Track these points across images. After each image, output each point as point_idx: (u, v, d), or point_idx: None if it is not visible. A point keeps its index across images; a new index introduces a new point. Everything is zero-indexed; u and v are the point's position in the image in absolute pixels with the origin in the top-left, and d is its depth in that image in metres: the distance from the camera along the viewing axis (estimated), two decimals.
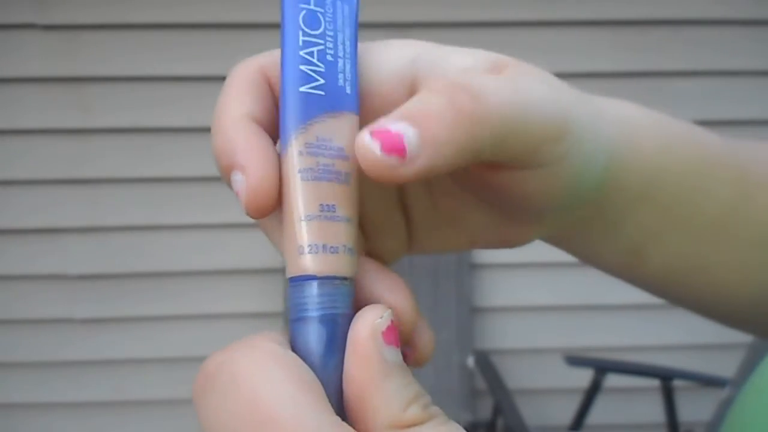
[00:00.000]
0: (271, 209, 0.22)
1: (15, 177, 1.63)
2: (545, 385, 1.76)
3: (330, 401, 0.20)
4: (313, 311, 0.21)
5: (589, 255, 0.31)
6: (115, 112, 1.63)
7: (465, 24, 1.63)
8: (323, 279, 0.21)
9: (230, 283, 1.68)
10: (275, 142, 0.22)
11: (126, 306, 1.67)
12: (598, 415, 1.59)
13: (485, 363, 1.62)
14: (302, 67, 0.21)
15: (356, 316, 0.21)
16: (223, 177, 0.22)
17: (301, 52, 0.21)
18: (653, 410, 1.59)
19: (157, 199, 1.66)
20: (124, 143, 1.64)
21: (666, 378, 1.54)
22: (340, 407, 0.21)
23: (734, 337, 1.30)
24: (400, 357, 0.21)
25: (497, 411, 1.53)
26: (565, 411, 1.64)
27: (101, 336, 1.68)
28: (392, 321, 0.21)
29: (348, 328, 0.21)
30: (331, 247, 0.21)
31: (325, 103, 0.22)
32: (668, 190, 0.28)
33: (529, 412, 1.51)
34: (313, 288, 0.21)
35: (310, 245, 0.21)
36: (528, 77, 0.22)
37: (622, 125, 0.27)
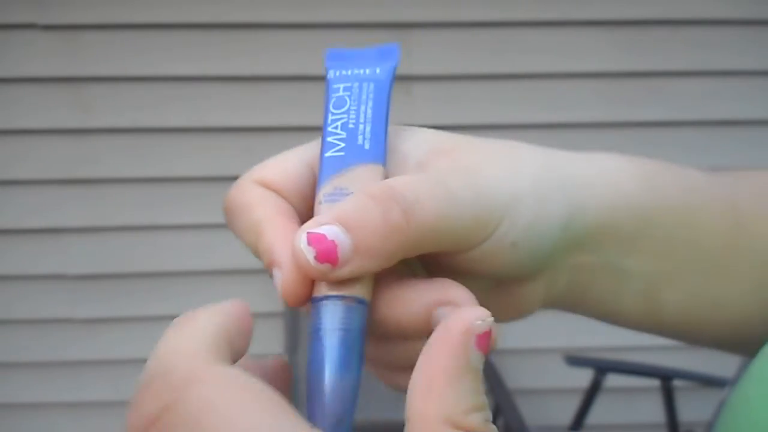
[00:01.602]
0: (305, 299, 0.23)
1: (15, 177, 1.63)
2: (545, 385, 1.76)
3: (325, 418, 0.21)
4: (327, 328, 0.23)
5: (607, 312, 0.31)
6: (115, 112, 1.62)
7: (465, 24, 1.63)
8: (336, 298, 0.23)
9: (230, 283, 1.68)
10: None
11: (126, 306, 1.67)
12: (598, 415, 1.59)
13: (485, 363, 1.62)
14: (329, 139, 0.26)
15: (458, 311, 0.21)
16: (268, 269, 0.25)
17: (329, 128, 0.26)
18: (653, 410, 1.59)
19: (157, 199, 1.66)
20: (124, 143, 1.64)
21: (666, 378, 1.54)
22: (348, 425, 0.22)
23: None
24: (482, 365, 0.21)
25: (497, 411, 1.53)
26: (565, 411, 1.64)
27: (101, 336, 1.68)
28: (490, 329, 0.21)
29: (359, 346, 0.23)
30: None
31: (344, 161, 0.25)
32: (663, 229, 0.29)
33: (529, 412, 1.51)
34: (328, 307, 0.23)
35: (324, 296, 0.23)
36: (462, 170, 0.25)
37: (591, 170, 0.28)
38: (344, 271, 0.22)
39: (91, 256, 1.66)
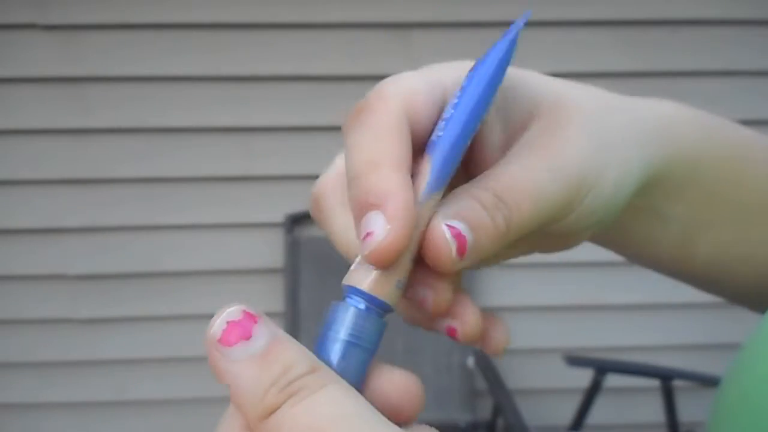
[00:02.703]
0: (390, 264, 0.23)
1: (15, 177, 1.63)
2: (545, 385, 1.76)
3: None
4: (345, 335, 0.23)
5: (644, 254, 0.33)
6: (115, 112, 1.62)
7: (465, 24, 1.63)
8: (370, 298, 0.24)
9: (230, 283, 1.68)
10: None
11: (126, 306, 1.67)
12: (598, 415, 1.59)
13: (485, 363, 1.62)
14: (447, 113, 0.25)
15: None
16: (355, 208, 0.24)
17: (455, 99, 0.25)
18: (653, 410, 1.59)
19: (157, 199, 1.66)
20: (124, 143, 1.64)
21: (666, 378, 1.54)
22: None
23: (734, 337, 1.31)
24: (252, 347, 0.21)
25: (497, 411, 1.53)
26: (565, 411, 1.64)
27: (101, 336, 1.68)
28: (236, 317, 0.22)
29: (368, 362, 0.24)
30: (399, 281, 0.24)
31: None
32: (711, 174, 0.31)
33: (529, 412, 1.51)
34: (356, 305, 0.24)
35: (398, 280, 0.24)
36: (551, 155, 0.26)
37: (661, 122, 0.30)
38: (461, 264, 0.24)
39: (91, 256, 1.66)
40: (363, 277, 0.24)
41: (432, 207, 0.24)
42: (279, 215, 1.66)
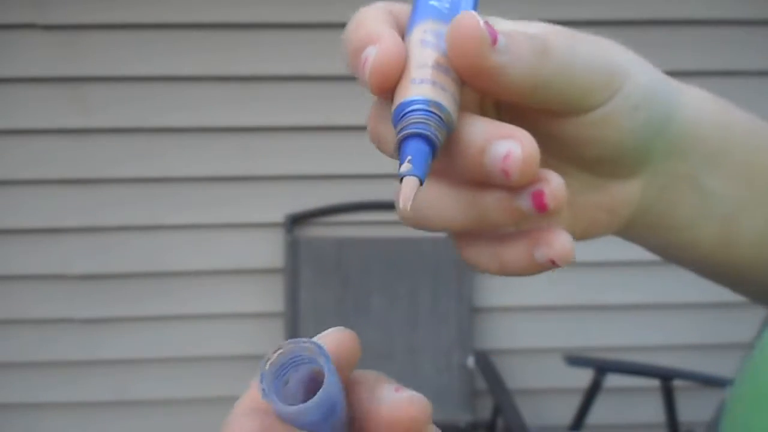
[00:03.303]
0: (394, 78, 0.23)
1: (15, 177, 1.63)
2: (545, 385, 1.76)
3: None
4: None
5: (686, 239, 0.31)
6: (115, 112, 1.62)
7: None
8: (431, 102, 0.22)
9: (230, 283, 1.68)
10: None
11: (126, 306, 1.67)
12: (598, 415, 1.59)
13: (485, 363, 1.62)
14: None
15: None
16: (351, 60, 0.24)
17: None
18: (653, 410, 1.59)
19: (157, 199, 1.66)
20: (124, 143, 1.64)
21: (666, 378, 1.54)
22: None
23: (734, 337, 1.31)
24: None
25: (497, 411, 1.53)
26: (565, 411, 1.64)
27: (101, 336, 1.68)
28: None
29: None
30: (441, 85, 0.23)
31: (445, 16, 0.25)
32: (742, 150, 0.30)
33: (529, 412, 1.51)
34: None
35: (422, 79, 0.23)
36: (582, 36, 0.26)
37: (686, 90, 0.30)
38: (495, 59, 0.22)
39: (91, 256, 1.66)
40: (409, 90, 0.23)
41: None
42: (279, 215, 1.66)
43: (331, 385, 0.21)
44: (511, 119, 0.25)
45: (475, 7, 0.26)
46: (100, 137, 1.64)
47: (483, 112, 0.28)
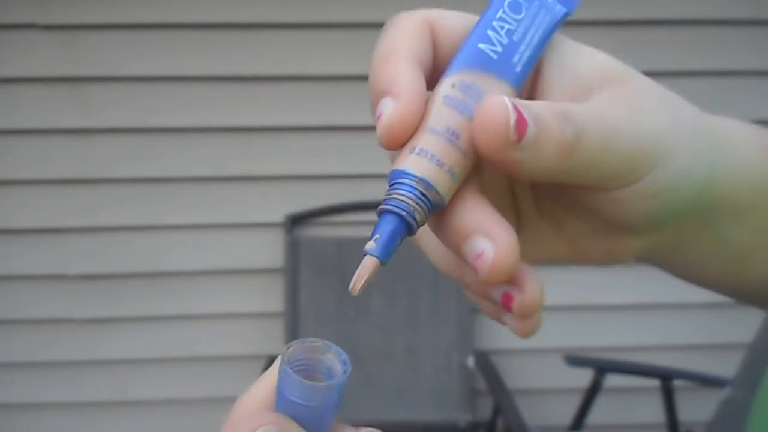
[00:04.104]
0: (403, 141, 0.23)
1: (15, 177, 1.63)
2: (545, 385, 1.76)
3: None
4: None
5: (694, 274, 0.31)
6: (115, 112, 1.62)
7: None
8: (418, 179, 0.23)
9: (230, 283, 1.68)
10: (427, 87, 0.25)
11: (126, 306, 1.67)
12: (598, 415, 1.59)
13: (485, 363, 1.62)
14: (489, 32, 0.25)
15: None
16: (372, 101, 0.24)
17: (494, 22, 0.25)
18: (653, 410, 1.59)
19: (157, 199, 1.66)
20: (124, 143, 1.64)
21: (666, 378, 1.54)
22: None
23: (734, 337, 1.31)
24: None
25: (497, 411, 1.53)
26: (565, 411, 1.64)
27: (101, 336, 1.68)
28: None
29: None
30: (438, 159, 0.23)
31: (493, 64, 0.25)
32: None
33: (529, 412, 1.51)
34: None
35: (421, 149, 0.23)
36: (627, 107, 0.25)
37: (729, 142, 0.28)
38: (517, 155, 0.22)
39: (91, 256, 1.66)
40: (404, 159, 0.23)
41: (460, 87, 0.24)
42: (279, 215, 1.66)
43: (344, 376, 0.22)
44: None
45: (532, 61, 0.25)
46: (100, 137, 1.64)
47: None
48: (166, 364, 1.69)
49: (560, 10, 0.27)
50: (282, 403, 0.22)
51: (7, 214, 1.64)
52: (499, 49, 0.25)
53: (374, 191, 1.64)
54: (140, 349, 1.68)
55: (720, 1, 1.66)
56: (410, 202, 0.23)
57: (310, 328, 1.63)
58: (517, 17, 0.26)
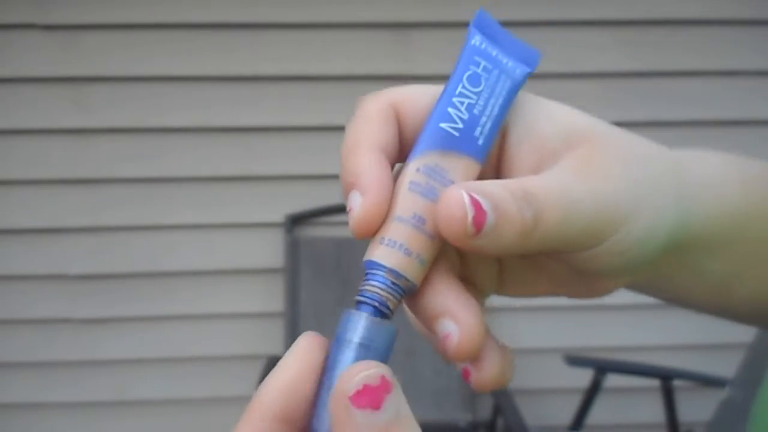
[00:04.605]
0: (373, 231, 0.24)
1: (15, 177, 1.63)
2: (545, 385, 1.76)
3: None
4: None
5: (678, 299, 0.32)
6: (115, 112, 1.63)
7: (465, 24, 1.62)
8: (388, 270, 0.24)
9: (230, 283, 1.68)
10: (393, 166, 0.26)
11: (126, 306, 1.67)
12: (598, 415, 1.59)
13: None
14: (449, 110, 0.26)
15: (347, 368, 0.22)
16: (344, 193, 0.25)
17: (454, 99, 0.26)
18: (653, 410, 1.59)
19: (157, 199, 1.66)
20: (124, 143, 1.64)
21: (666, 378, 1.54)
22: None
23: (734, 337, 1.31)
24: (377, 419, 0.21)
25: (497, 411, 1.53)
26: (565, 411, 1.64)
27: (101, 336, 1.68)
28: (374, 382, 0.21)
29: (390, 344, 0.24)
30: (406, 248, 0.24)
31: (455, 142, 0.25)
32: (754, 231, 0.30)
33: (529, 412, 1.51)
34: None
35: (389, 240, 0.24)
36: (589, 174, 0.25)
37: (702, 184, 0.29)
38: (477, 243, 0.23)
39: (91, 256, 1.66)
40: (375, 250, 0.24)
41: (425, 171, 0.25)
42: (279, 215, 1.66)
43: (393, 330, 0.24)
44: None
45: (495, 129, 0.26)
46: (100, 137, 1.64)
47: None
48: (166, 364, 1.69)
49: (521, 72, 0.27)
50: (341, 350, 0.23)
51: (7, 214, 1.64)
52: (461, 125, 0.25)
53: None
54: (140, 349, 1.68)
55: (720, 1, 1.66)
56: (382, 292, 0.24)
57: (310, 328, 1.62)
58: (477, 90, 0.26)
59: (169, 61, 1.62)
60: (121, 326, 1.68)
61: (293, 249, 1.65)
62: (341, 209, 1.65)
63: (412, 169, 0.25)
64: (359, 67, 1.63)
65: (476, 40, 0.28)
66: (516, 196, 0.23)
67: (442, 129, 0.25)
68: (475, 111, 0.26)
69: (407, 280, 0.24)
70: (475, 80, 0.26)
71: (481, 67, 0.27)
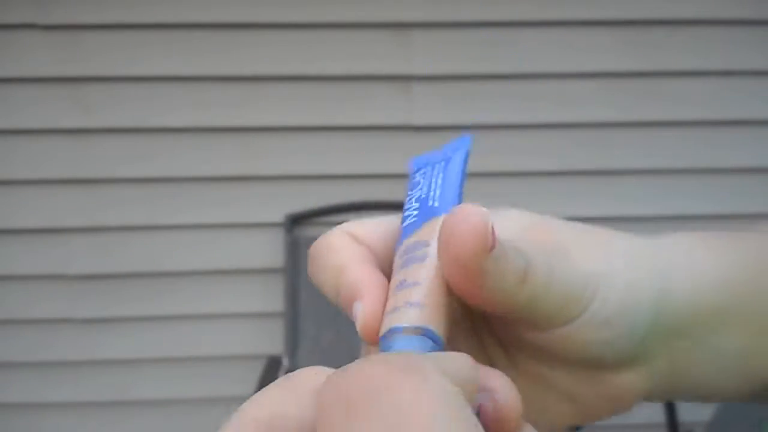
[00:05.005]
0: (377, 336, 0.24)
1: (15, 177, 1.63)
2: None
3: None
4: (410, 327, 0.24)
5: (707, 393, 0.31)
6: (115, 112, 1.63)
7: (465, 24, 1.63)
8: (390, 331, 0.24)
9: (230, 283, 1.68)
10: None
11: (126, 306, 1.67)
12: None
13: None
14: (405, 213, 0.28)
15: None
16: (346, 306, 0.26)
17: (406, 206, 0.28)
18: (653, 410, 1.59)
19: (157, 199, 1.66)
20: (124, 143, 1.64)
21: None
22: None
23: None
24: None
25: None
26: None
27: (101, 336, 1.68)
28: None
29: None
30: (393, 308, 0.24)
31: (416, 224, 0.27)
32: (749, 303, 0.29)
33: None
34: (389, 340, 0.23)
35: (393, 308, 0.24)
36: (553, 249, 0.26)
37: (682, 257, 0.28)
38: (486, 266, 0.23)
39: (91, 256, 1.66)
40: (384, 324, 0.24)
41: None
42: (279, 215, 1.66)
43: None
44: (494, 322, 0.28)
45: (448, 191, 0.27)
46: (100, 137, 1.64)
47: (473, 321, 0.29)
48: (166, 364, 1.69)
49: (452, 153, 0.29)
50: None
51: (7, 214, 1.64)
52: (416, 212, 0.27)
53: (374, 191, 1.64)
54: (140, 349, 1.68)
55: (720, 1, 1.66)
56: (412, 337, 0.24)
57: (310, 328, 1.63)
58: (419, 186, 0.29)
59: (169, 61, 1.62)
60: (121, 326, 1.68)
61: (293, 249, 1.65)
62: (341, 209, 1.65)
63: (396, 268, 0.26)
64: (359, 67, 1.63)
65: (412, 171, 0.31)
66: (509, 244, 0.24)
67: (404, 226, 0.27)
68: (422, 196, 0.28)
69: (422, 328, 0.23)
70: (415, 185, 0.29)
71: (418, 176, 0.30)
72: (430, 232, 0.26)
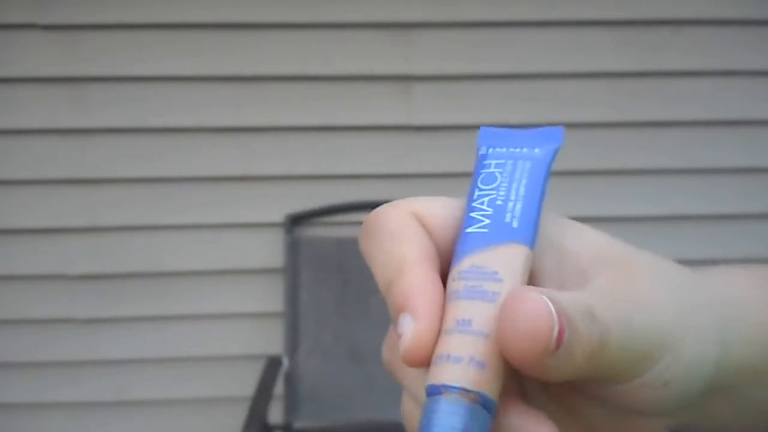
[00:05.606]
0: (425, 361, 0.22)
1: (15, 177, 1.63)
2: None
3: None
4: (428, 425, 0.21)
5: (719, 428, 0.30)
6: (114, 112, 1.62)
7: (465, 24, 1.63)
8: (444, 387, 0.21)
9: (230, 283, 1.68)
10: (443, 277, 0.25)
11: (126, 306, 1.67)
12: None
13: None
14: (472, 215, 0.25)
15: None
16: (392, 313, 0.24)
17: (474, 203, 0.25)
18: None
19: (157, 199, 1.66)
20: (124, 143, 1.64)
21: None
22: None
23: None
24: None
25: None
26: None
27: (101, 336, 1.68)
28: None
29: None
30: (455, 357, 0.22)
31: (486, 238, 0.24)
32: None
33: None
34: (439, 397, 0.21)
35: (438, 355, 0.22)
36: (632, 296, 0.24)
37: (735, 308, 0.27)
38: (551, 363, 0.20)
39: (91, 256, 1.66)
40: (445, 372, 0.22)
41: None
42: (279, 215, 1.66)
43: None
44: None
45: (530, 210, 0.25)
46: (100, 137, 1.64)
47: None
48: (166, 364, 1.69)
49: (541, 150, 0.27)
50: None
51: (7, 214, 1.64)
52: (488, 221, 0.24)
53: (374, 191, 1.64)
54: (140, 349, 1.68)
55: (720, 1, 1.66)
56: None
57: (310, 328, 1.63)
58: (494, 185, 0.25)
59: (169, 61, 1.62)
60: (121, 326, 1.68)
61: (293, 249, 1.65)
62: (341, 209, 1.65)
63: (449, 282, 0.23)
64: (359, 67, 1.63)
65: (482, 150, 0.28)
66: (583, 315, 0.21)
67: (470, 234, 0.24)
68: (498, 202, 0.25)
69: (469, 391, 0.21)
70: (489, 179, 0.26)
71: (493, 165, 0.26)
72: (505, 265, 0.23)
